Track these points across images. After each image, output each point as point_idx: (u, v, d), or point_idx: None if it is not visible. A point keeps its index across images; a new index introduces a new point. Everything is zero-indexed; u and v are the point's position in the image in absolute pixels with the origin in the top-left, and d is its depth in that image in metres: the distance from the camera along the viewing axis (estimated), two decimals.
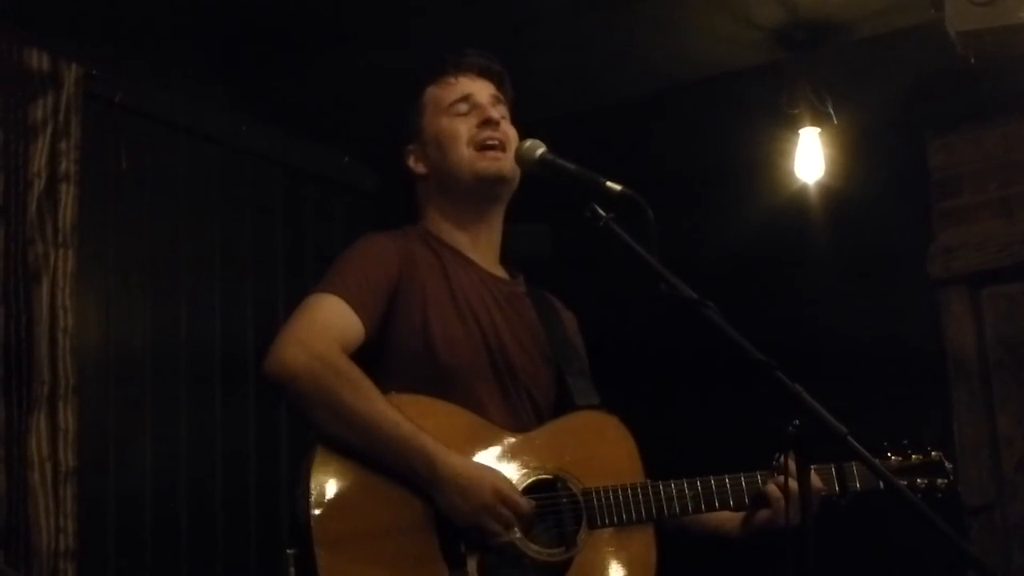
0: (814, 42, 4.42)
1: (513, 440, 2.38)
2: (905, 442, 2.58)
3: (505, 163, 2.53)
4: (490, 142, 2.54)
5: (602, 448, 2.44)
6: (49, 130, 3.79)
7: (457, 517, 2.24)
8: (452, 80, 2.61)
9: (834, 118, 4.48)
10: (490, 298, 2.53)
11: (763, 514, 2.45)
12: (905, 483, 2.45)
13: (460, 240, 2.57)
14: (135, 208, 4.21)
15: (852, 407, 2.51)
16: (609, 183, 2.13)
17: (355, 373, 2.29)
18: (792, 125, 4.52)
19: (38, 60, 3.80)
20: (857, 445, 1.85)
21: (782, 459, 2.39)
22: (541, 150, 2.30)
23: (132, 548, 4.02)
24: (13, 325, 3.65)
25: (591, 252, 2.69)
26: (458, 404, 2.37)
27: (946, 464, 2.56)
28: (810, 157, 4.55)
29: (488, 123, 2.55)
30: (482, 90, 2.61)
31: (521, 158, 2.35)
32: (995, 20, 3.28)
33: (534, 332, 2.56)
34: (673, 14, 4.29)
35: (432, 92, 2.63)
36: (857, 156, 4.59)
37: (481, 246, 2.59)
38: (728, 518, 2.52)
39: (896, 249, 4.65)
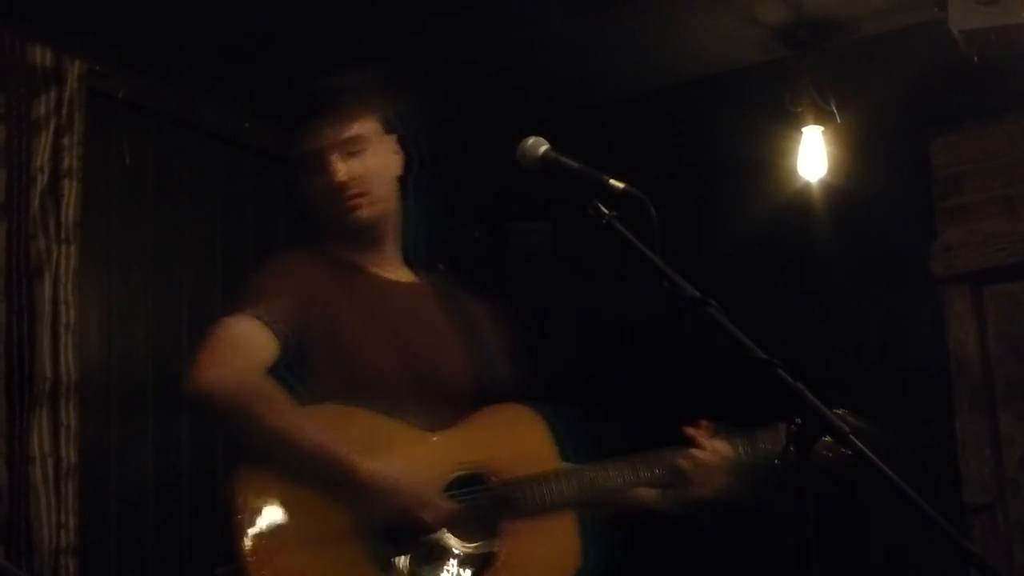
0: (817, 40, 4.42)
1: (432, 440, 2.44)
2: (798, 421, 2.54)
3: (367, 211, 2.55)
4: (347, 202, 2.53)
5: (517, 438, 2.52)
6: (52, 126, 3.78)
7: (381, 521, 2.29)
8: (304, 127, 2.58)
9: (837, 116, 4.48)
10: (398, 305, 2.58)
11: (679, 488, 2.53)
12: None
13: (360, 257, 2.61)
14: (138, 204, 4.21)
15: (853, 405, 2.52)
16: (612, 181, 2.13)
17: (268, 388, 2.33)
18: (795, 123, 4.51)
19: (41, 56, 3.80)
20: (860, 444, 1.84)
21: (689, 432, 2.52)
22: (544, 148, 2.30)
23: (134, 544, 4.02)
24: (15, 321, 3.65)
25: (593, 250, 2.69)
26: (377, 410, 2.41)
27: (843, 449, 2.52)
28: (813, 155, 4.55)
29: (336, 189, 2.53)
30: (328, 137, 2.55)
31: (524, 156, 2.36)
32: (998, 19, 3.29)
33: (442, 330, 2.61)
34: (676, 12, 4.29)
35: (295, 136, 2.61)
36: (860, 154, 4.59)
37: (380, 258, 2.63)
38: (645, 493, 2.60)
39: (898, 247, 4.65)
